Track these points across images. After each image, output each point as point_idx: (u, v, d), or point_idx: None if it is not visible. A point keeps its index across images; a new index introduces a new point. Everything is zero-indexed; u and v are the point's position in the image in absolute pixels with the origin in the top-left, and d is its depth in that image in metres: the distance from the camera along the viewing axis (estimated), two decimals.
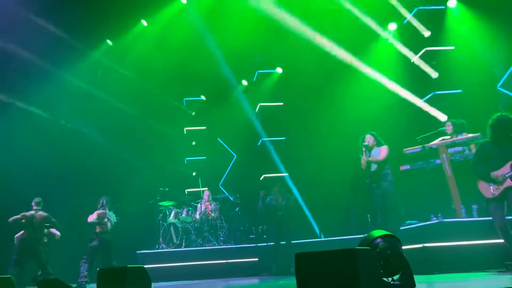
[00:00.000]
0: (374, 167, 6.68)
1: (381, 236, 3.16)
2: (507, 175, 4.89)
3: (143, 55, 10.16)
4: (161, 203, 9.75)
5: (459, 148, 6.72)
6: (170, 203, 9.77)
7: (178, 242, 9.11)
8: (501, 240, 5.19)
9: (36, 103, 9.92)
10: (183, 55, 10.01)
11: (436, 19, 8.85)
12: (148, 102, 10.77)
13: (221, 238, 9.38)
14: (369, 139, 6.79)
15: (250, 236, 9.95)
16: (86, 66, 10.28)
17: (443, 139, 6.81)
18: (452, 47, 8.62)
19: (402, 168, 6.98)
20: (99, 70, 10.67)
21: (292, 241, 8.48)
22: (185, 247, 9.06)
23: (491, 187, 5.01)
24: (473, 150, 6.66)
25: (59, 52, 9.63)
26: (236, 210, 10.27)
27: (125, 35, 10.15)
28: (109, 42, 10.44)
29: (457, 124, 6.90)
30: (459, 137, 6.75)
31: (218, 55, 10.15)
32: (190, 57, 10.17)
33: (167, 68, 10.17)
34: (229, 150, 12.27)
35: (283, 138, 11.36)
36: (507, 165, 4.92)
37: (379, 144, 6.79)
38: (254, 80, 11.77)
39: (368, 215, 7.53)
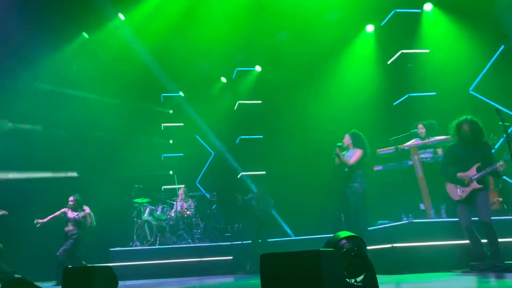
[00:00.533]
0: (346, 168, 6.76)
1: (346, 238, 3.20)
2: (473, 178, 5.00)
3: (120, 49, 10.01)
4: (135, 200, 9.65)
5: (429, 153, 6.86)
6: (145, 200, 9.68)
7: (152, 240, 9.03)
8: (467, 241, 5.33)
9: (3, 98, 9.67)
10: (162, 50, 9.92)
11: (412, 22, 8.98)
12: (124, 97, 10.62)
13: (197, 236, 9.34)
14: (347, 139, 6.80)
15: (226, 235, 9.95)
16: (61, 59, 10.07)
17: (416, 141, 6.94)
18: (427, 50, 8.76)
19: (375, 168, 7.08)
20: (74, 64, 10.47)
21: (268, 240, 8.55)
22: (159, 245, 8.99)
23: (458, 190, 5.14)
24: (439, 153, 6.81)
25: (33, 44, 9.41)
26: (213, 208, 10.24)
27: (101, 28, 9.98)
28: (85, 35, 10.24)
29: (429, 125, 7.03)
30: (431, 139, 6.88)
31: (197, 51, 10.07)
32: (168, 53, 10.09)
33: (145, 62, 10.06)
34: (207, 147, 12.23)
35: (261, 136, 11.37)
36: (473, 168, 5.03)
37: (355, 145, 6.73)
38: (233, 77, 11.75)
39: (342, 214, 7.62)
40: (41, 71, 9.81)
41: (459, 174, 5.08)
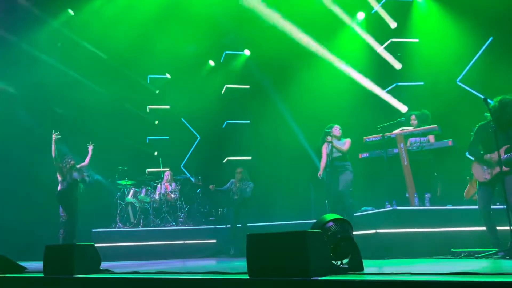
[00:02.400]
0: (336, 155, 6.86)
1: (333, 220, 3.19)
2: (502, 159, 4.73)
3: (106, 27, 9.75)
4: (119, 182, 9.54)
5: (417, 139, 6.90)
6: (129, 182, 9.58)
7: (135, 222, 8.97)
8: (448, 228, 5.40)
9: None
10: (149, 29, 9.71)
11: (403, 11, 8.96)
12: (109, 77, 10.38)
13: (181, 219, 9.31)
14: (338, 130, 7.04)
15: (210, 218, 9.95)
16: (45, 35, 9.79)
17: (403, 130, 6.98)
18: (417, 40, 8.77)
19: (361, 155, 7.11)
20: (59, 41, 10.19)
21: (248, 224, 8.56)
22: (142, 227, 8.94)
23: (485, 171, 4.92)
24: (431, 141, 6.85)
25: (16, 18, 9.13)
26: (197, 191, 10.20)
27: (88, 5, 9.71)
28: (70, 12, 9.96)
29: (421, 116, 7.06)
30: (417, 128, 6.92)
31: (185, 32, 9.89)
32: (156, 33, 9.88)
33: (131, 42, 9.84)
34: (193, 131, 12.12)
35: (248, 121, 11.31)
36: (502, 150, 4.78)
37: (344, 135, 7.08)
38: (221, 61, 11.61)
39: (326, 201, 7.66)
40: (24, 42, 9.52)
41: (486, 156, 4.85)
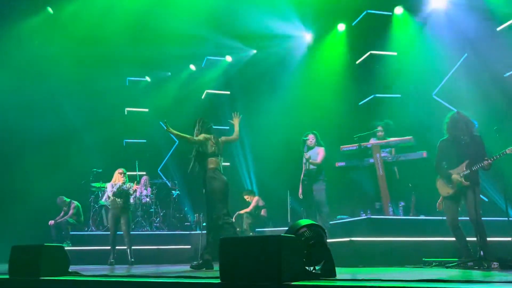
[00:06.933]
0: (311, 166, 7.01)
1: (307, 225, 3.19)
2: (461, 175, 4.94)
3: (86, 27, 9.60)
4: (93, 184, 9.36)
5: (386, 153, 7.05)
6: (103, 184, 9.39)
7: (108, 225, 8.78)
8: (421, 238, 5.48)
9: None
10: (130, 31, 9.59)
11: (383, 24, 9.13)
12: (87, 77, 10.20)
13: (156, 224, 9.17)
14: (311, 139, 7.15)
15: (185, 224, 9.84)
16: (22, 33, 9.57)
17: (376, 140, 7.11)
18: (395, 53, 8.95)
19: (338, 164, 7.18)
20: (36, 39, 9.97)
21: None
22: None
23: (447, 186, 5.07)
24: (392, 153, 7.00)
25: None
26: (174, 196, 10.09)
27: (68, 3, 9.54)
28: (50, 10, 9.77)
29: (385, 126, 7.22)
30: (392, 139, 7.05)
31: (167, 35, 9.82)
32: (137, 34, 9.77)
33: (111, 43, 9.70)
34: (171, 135, 11.97)
35: (227, 127, 11.26)
36: (463, 164, 4.95)
37: (318, 144, 7.19)
38: (202, 66, 11.58)
39: (302, 209, 7.69)
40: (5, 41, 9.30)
41: (453, 176, 5.00)
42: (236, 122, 5.72)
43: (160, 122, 5.18)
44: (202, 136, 5.44)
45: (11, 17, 9.20)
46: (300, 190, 7.26)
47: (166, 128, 5.29)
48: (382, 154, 6.96)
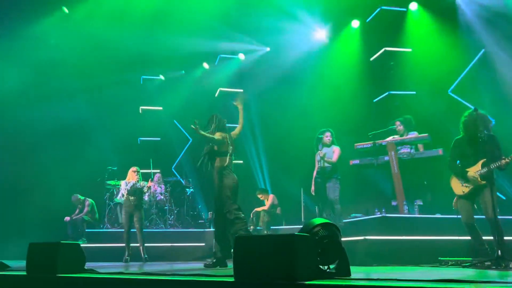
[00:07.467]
0: (326, 165, 7.04)
1: (321, 224, 3.17)
2: (478, 173, 4.89)
3: (101, 26, 9.68)
4: (108, 182, 9.46)
5: (407, 148, 6.93)
6: (118, 182, 9.47)
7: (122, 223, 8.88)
8: (436, 237, 5.40)
9: None
10: (144, 30, 9.66)
11: (397, 20, 9.02)
12: (103, 77, 10.31)
13: (170, 222, 9.24)
14: (329, 136, 7.21)
15: (199, 221, 9.89)
16: (38, 32, 9.70)
17: (394, 138, 7.01)
18: (410, 49, 8.83)
19: (352, 162, 7.12)
20: (52, 38, 10.11)
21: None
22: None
23: (462, 185, 5.02)
24: (421, 150, 6.89)
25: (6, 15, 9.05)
26: (188, 194, 10.14)
27: (83, 3, 9.64)
28: (65, 9, 9.89)
29: (405, 121, 7.11)
30: (409, 135, 6.96)
31: (181, 34, 9.86)
32: (151, 33, 9.84)
33: (126, 42, 9.78)
34: (185, 133, 12.06)
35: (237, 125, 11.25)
36: (479, 164, 4.91)
37: (334, 143, 7.24)
38: (216, 64, 11.60)
39: (316, 207, 7.67)
40: (16, 41, 9.44)
41: (469, 174, 4.93)
42: (240, 109, 5.75)
43: (191, 125, 5.22)
44: (220, 135, 5.46)
45: (28, 17, 9.34)
46: (313, 188, 7.27)
47: (196, 129, 5.32)
48: (403, 150, 6.87)
